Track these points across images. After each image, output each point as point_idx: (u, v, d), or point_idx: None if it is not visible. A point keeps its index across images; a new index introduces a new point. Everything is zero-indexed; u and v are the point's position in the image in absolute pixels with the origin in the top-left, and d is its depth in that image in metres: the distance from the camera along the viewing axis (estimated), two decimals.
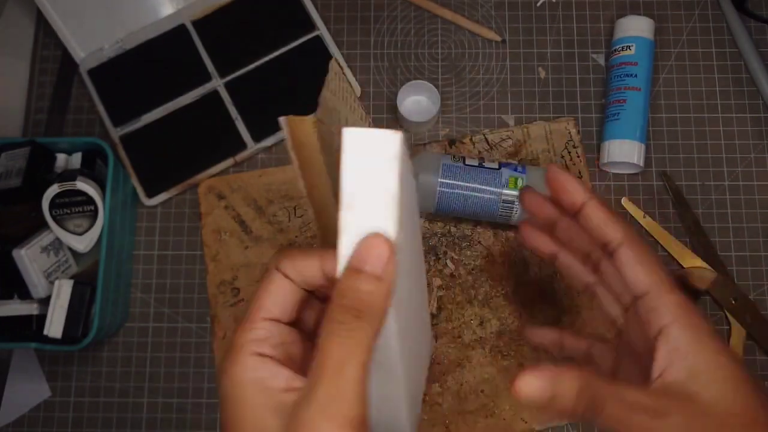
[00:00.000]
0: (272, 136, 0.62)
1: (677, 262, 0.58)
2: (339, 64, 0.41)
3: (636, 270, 0.33)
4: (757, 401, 0.30)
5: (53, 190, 0.54)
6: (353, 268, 0.26)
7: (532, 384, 0.29)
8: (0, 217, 0.56)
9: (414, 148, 0.61)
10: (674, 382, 0.30)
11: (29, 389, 0.58)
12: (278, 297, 0.30)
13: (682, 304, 0.32)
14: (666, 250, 0.59)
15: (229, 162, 0.62)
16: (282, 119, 0.35)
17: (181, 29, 0.64)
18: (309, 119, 0.37)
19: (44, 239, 0.56)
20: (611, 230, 0.34)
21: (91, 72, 0.64)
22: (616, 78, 0.60)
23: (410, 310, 0.33)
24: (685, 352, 0.31)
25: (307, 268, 0.30)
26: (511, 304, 0.57)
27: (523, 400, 0.29)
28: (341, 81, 0.41)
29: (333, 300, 0.27)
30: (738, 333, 0.56)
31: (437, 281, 0.58)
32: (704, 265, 0.58)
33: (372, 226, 0.27)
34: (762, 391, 0.31)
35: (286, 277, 0.30)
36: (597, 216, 0.34)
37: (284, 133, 0.35)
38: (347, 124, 0.38)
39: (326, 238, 0.36)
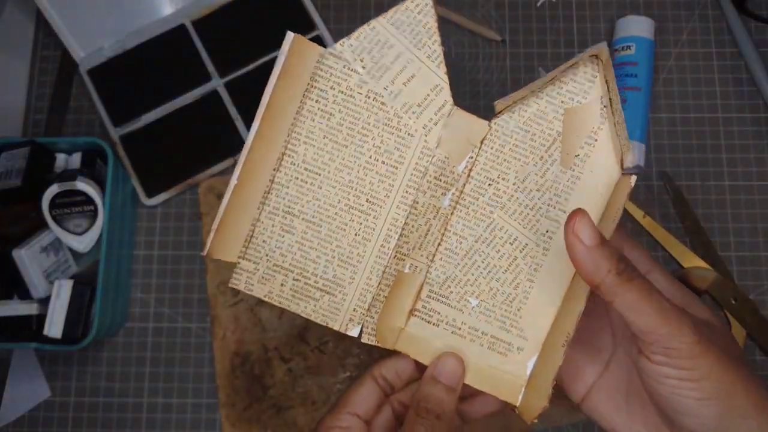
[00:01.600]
0: None
1: (677, 262, 0.58)
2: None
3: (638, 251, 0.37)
4: (728, 329, 0.37)
5: (53, 190, 0.54)
6: (431, 377, 0.35)
7: (583, 231, 0.31)
8: (0, 217, 0.56)
9: None
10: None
11: (29, 389, 0.58)
12: (364, 396, 0.37)
13: (651, 259, 0.37)
14: (666, 250, 0.59)
15: (229, 162, 0.62)
16: (289, 35, 0.36)
17: (181, 29, 0.64)
18: (317, 49, 0.36)
19: (44, 239, 0.56)
20: (618, 236, 0.38)
21: (91, 72, 0.64)
22: (616, 78, 0.60)
23: None
24: (672, 291, 0.36)
25: (404, 371, 0.38)
26: None
27: (567, 233, 0.31)
28: (422, 15, 0.36)
29: (417, 401, 0.35)
30: (738, 333, 0.56)
31: None
32: (704, 265, 0.58)
33: None
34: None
35: (378, 380, 0.38)
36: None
37: (281, 51, 0.35)
38: (401, 64, 0.36)
39: (240, 195, 0.36)
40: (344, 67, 0.36)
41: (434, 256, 0.37)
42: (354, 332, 0.36)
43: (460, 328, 0.36)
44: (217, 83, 0.63)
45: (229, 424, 0.56)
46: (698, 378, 0.31)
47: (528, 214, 0.36)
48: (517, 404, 0.35)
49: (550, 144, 0.36)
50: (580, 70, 0.36)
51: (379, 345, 0.37)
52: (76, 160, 0.58)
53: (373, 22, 0.36)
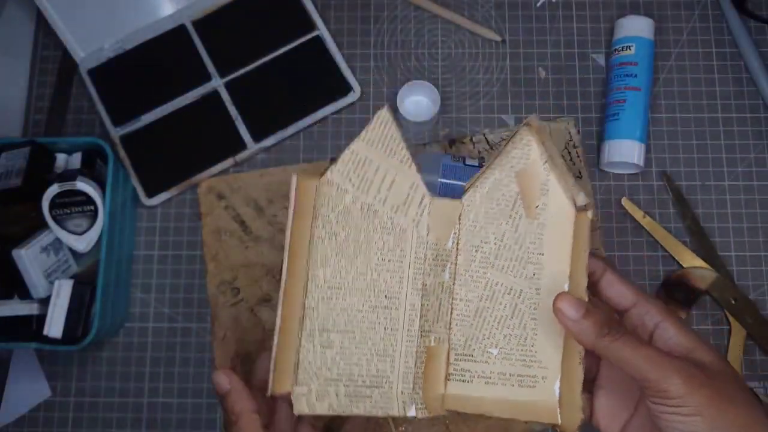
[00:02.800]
0: (272, 136, 0.62)
1: (677, 262, 0.58)
2: (390, 111, 0.44)
3: (621, 287, 0.41)
4: (733, 367, 0.38)
5: (53, 190, 0.54)
6: None
7: (569, 309, 0.38)
8: (0, 217, 0.56)
9: (414, 148, 0.61)
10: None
11: (29, 389, 0.58)
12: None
13: (666, 308, 0.40)
14: (666, 250, 0.59)
15: (229, 162, 0.62)
16: (294, 178, 0.42)
17: (181, 29, 0.64)
18: (313, 182, 0.43)
19: (44, 239, 0.56)
20: (593, 264, 0.42)
21: (91, 72, 0.64)
22: (616, 78, 0.60)
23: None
24: (678, 339, 0.38)
25: None
26: None
27: (558, 315, 0.38)
28: (386, 128, 0.43)
29: None
30: (738, 333, 0.56)
31: None
32: (704, 265, 0.58)
33: None
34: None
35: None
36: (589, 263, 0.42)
37: (290, 193, 0.42)
38: (382, 174, 0.43)
39: (287, 332, 0.41)
40: (338, 190, 0.42)
41: (450, 324, 0.42)
42: (412, 413, 0.41)
43: (490, 377, 0.41)
44: (217, 83, 0.63)
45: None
46: (689, 413, 0.35)
47: (514, 265, 0.42)
48: (559, 423, 0.40)
49: (513, 203, 0.42)
50: (517, 139, 0.42)
51: (432, 414, 0.41)
52: (76, 160, 0.58)
53: (352, 146, 0.43)
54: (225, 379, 0.43)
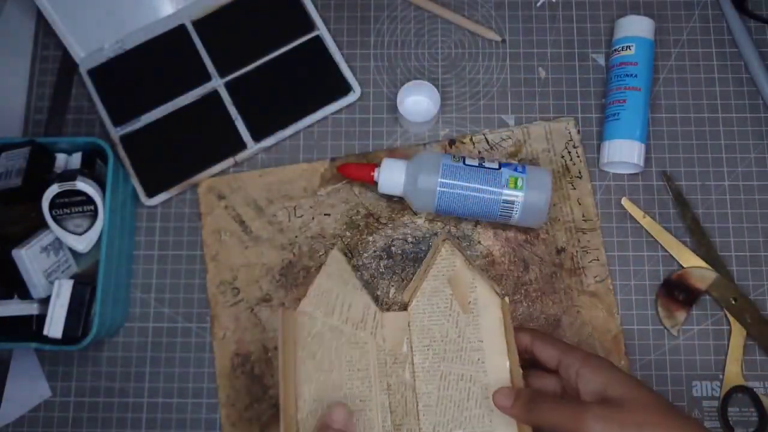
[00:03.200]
0: (272, 136, 0.62)
1: (677, 262, 0.58)
2: (339, 251, 0.54)
3: (546, 349, 0.48)
4: (650, 391, 0.43)
5: (53, 190, 0.54)
6: (324, 425, 0.46)
7: (502, 401, 0.46)
8: (0, 217, 0.56)
9: (414, 148, 0.62)
10: (592, 397, 0.44)
11: (29, 389, 0.58)
12: None
13: (584, 353, 0.46)
14: (666, 250, 0.59)
15: (229, 162, 0.62)
16: (280, 312, 0.49)
17: (181, 29, 0.64)
18: (294, 313, 0.51)
19: (44, 239, 0.56)
20: (523, 337, 0.49)
21: (91, 72, 0.64)
22: (616, 78, 0.60)
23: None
24: (594, 379, 0.44)
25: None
26: (511, 304, 0.57)
27: (498, 408, 0.46)
28: (339, 264, 0.52)
29: None
30: (738, 333, 0.56)
31: None
32: (704, 265, 0.58)
33: None
34: (649, 388, 0.44)
35: None
36: (518, 337, 0.50)
37: (278, 327, 0.49)
38: (341, 300, 0.52)
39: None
40: (310, 318, 0.51)
41: (418, 415, 0.49)
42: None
43: None
44: (217, 83, 0.63)
45: (229, 424, 0.56)
46: None
47: (461, 354, 0.49)
48: None
49: (450, 304, 0.50)
50: (442, 250, 0.52)
51: None
52: (76, 160, 0.58)
53: (316, 281, 0.52)
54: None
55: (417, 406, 0.49)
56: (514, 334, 0.49)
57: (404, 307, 0.52)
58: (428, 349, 0.50)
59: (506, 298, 0.50)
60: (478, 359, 0.49)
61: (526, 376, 0.49)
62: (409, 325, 0.51)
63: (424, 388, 0.49)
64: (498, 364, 0.48)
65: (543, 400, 0.44)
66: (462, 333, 0.50)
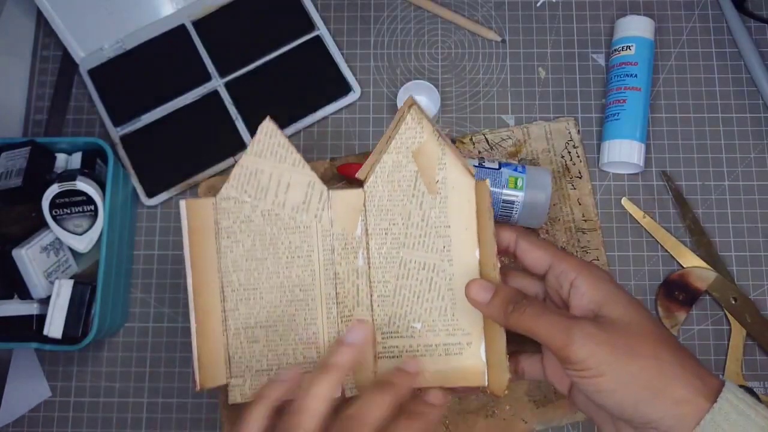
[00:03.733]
0: None
1: (677, 262, 0.58)
2: (272, 122, 0.46)
3: (534, 252, 0.42)
4: (649, 317, 0.38)
5: (53, 190, 0.54)
6: (340, 342, 0.41)
7: (478, 294, 0.40)
8: (0, 217, 0.56)
9: None
10: (586, 313, 0.38)
11: (29, 389, 0.58)
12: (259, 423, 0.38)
13: (579, 261, 0.40)
14: (666, 250, 0.59)
15: (229, 162, 0.62)
16: (182, 204, 0.44)
17: (181, 29, 0.64)
18: (207, 201, 0.45)
19: (44, 239, 0.56)
20: (505, 234, 0.43)
21: (91, 72, 0.64)
22: (616, 78, 0.60)
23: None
24: (590, 293, 0.38)
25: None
26: None
27: (470, 301, 0.41)
28: (272, 138, 0.45)
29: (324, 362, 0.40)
30: (738, 333, 0.56)
31: None
32: (704, 265, 0.58)
33: None
34: (650, 313, 0.38)
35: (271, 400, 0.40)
36: (500, 234, 0.43)
37: (182, 216, 0.44)
38: (276, 179, 0.45)
39: (203, 334, 0.44)
40: (235, 203, 0.45)
41: (372, 306, 0.44)
42: (336, 394, 0.41)
43: (417, 350, 0.44)
44: (217, 83, 0.63)
45: (229, 424, 0.56)
46: (592, 375, 0.35)
47: (424, 241, 0.44)
48: (486, 384, 0.42)
49: (414, 182, 0.44)
50: (407, 118, 0.44)
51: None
52: (76, 160, 0.58)
53: (240, 161, 0.45)
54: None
55: (371, 296, 0.44)
56: (494, 229, 0.42)
57: (360, 184, 0.45)
58: (386, 234, 0.44)
59: (486, 181, 0.43)
60: (444, 247, 0.44)
61: (503, 274, 0.43)
62: (365, 205, 0.45)
63: (380, 276, 0.44)
64: (466, 254, 0.43)
65: (528, 303, 0.38)
66: (426, 216, 0.44)
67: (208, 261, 0.44)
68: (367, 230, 0.44)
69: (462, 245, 0.43)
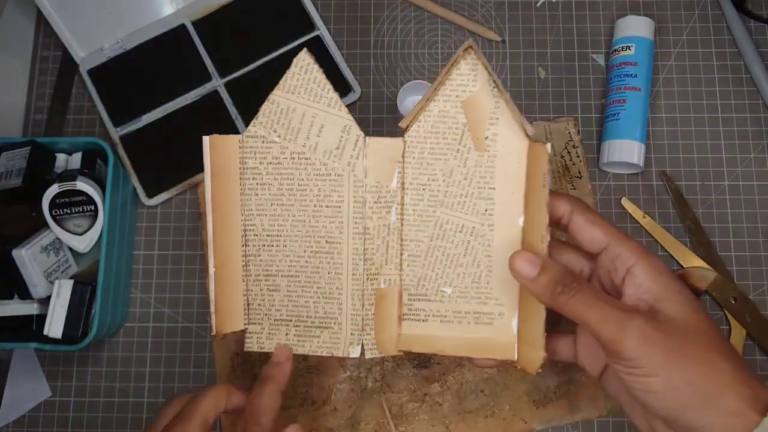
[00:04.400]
0: None
1: (677, 262, 0.58)
2: (309, 54, 0.42)
3: (591, 229, 0.38)
4: (707, 318, 0.36)
5: (53, 190, 0.54)
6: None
7: (524, 267, 0.36)
8: (0, 217, 0.56)
9: None
10: (641, 307, 0.36)
11: (29, 389, 0.58)
12: (213, 405, 0.41)
13: (640, 247, 0.37)
14: (666, 250, 0.59)
15: None
16: (205, 139, 0.42)
17: (181, 29, 0.64)
18: (233, 138, 0.42)
19: (44, 239, 0.56)
20: (560, 205, 0.39)
21: (91, 72, 0.64)
22: (616, 78, 0.60)
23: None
24: (648, 285, 0.36)
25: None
26: None
27: (514, 274, 0.36)
28: (308, 73, 0.41)
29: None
30: (738, 333, 0.56)
31: None
32: (704, 265, 0.58)
33: None
34: (707, 314, 0.36)
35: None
36: (553, 203, 0.39)
37: (204, 152, 0.42)
38: (309, 120, 0.41)
39: (222, 277, 0.42)
40: (263, 142, 0.41)
41: (401, 265, 0.41)
42: (355, 353, 0.41)
43: (445, 316, 0.41)
44: (217, 83, 0.63)
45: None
46: (644, 374, 0.34)
47: (464, 201, 0.40)
48: (515, 359, 0.40)
49: (461, 136, 0.40)
50: (461, 64, 0.39)
51: (383, 354, 0.41)
52: (76, 160, 0.58)
53: (271, 96, 0.41)
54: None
55: (402, 254, 0.41)
56: (548, 196, 0.37)
57: (401, 134, 0.41)
58: (425, 189, 0.41)
59: (547, 144, 0.38)
60: (486, 210, 0.40)
61: (549, 246, 0.39)
62: (403, 157, 0.41)
63: (413, 234, 0.41)
64: (509, 221, 0.39)
65: (580, 287, 0.35)
66: (470, 175, 0.40)
67: (231, 202, 0.42)
68: (403, 184, 0.41)
69: (506, 210, 0.39)
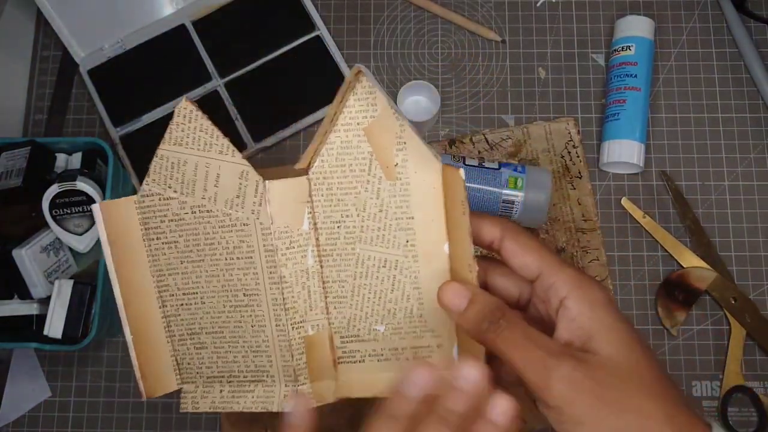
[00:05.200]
0: (272, 136, 0.62)
1: (677, 262, 0.58)
2: (189, 102, 0.39)
3: (523, 257, 0.35)
4: (644, 356, 0.33)
5: (53, 190, 0.54)
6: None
7: (453, 300, 0.34)
8: (0, 217, 0.56)
9: None
10: (573, 344, 0.33)
11: (29, 389, 0.58)
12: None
13: (575, 276, 0.34)
14: (666, 250, 0.59)
15: None
16: (94, 207, 0.39)
17: (181, 29, 0.64)
18: (126, 201, 0.40)
19: (44, 239, 0.56)
20: (489, 230, 0.36)
21: (91, 72, 0.64)
22: (616, 78, 0.60)
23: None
24: (581, 321, 0.33)
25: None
26: None
27: (443, 307, 0.35)
28: (192, 122, 0.39)
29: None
30: (738, 333, 0.56)
31: None
32: (704, 265, 0.58)
33: None
34: (650, 350, 0.34)
35: None
36: (473, 223, 0.36)
37: (97, 221, 0.39)
38: (203, 171, 0.39)
39: (143, 342, 0.41)
40: (160, 200, 0.39)
41: (327, 308, 0.39)
42: (289, 407, 0.38)
43: (382, 354, 0.39)
44: (217, 83, 0.63)
45: (229, 424, 0.56)
46: (570, 421, 0.32)
47: (383, 235, 0.37)
48: None
49: (369, 165, 0.37)
50: (357, 88, 0.37)
51: (321, 404, 0.39)
52: (76, 160, 0.58)
53: (159, 152, 0.39)
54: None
55: (326, 297, 0.39)
56: (474, 220, 0.36)
57: (304, 171, 0.38)
58: (339, 227, 0.38)
59: (460, 171, 0.35)
60: (407, 241, 0.37)
61: (485, 265, 0.38)
62: (311, 196, 0.38)
63: (335, 275, 0.38)
64: (434, 250, 0.36)
65: (507, 324, 0.33)
66: (385, 206, 0.37)
67: (138, 266, 0.40)
68: (315, 224, 0.38)
69: (428, 239, 0.37)
